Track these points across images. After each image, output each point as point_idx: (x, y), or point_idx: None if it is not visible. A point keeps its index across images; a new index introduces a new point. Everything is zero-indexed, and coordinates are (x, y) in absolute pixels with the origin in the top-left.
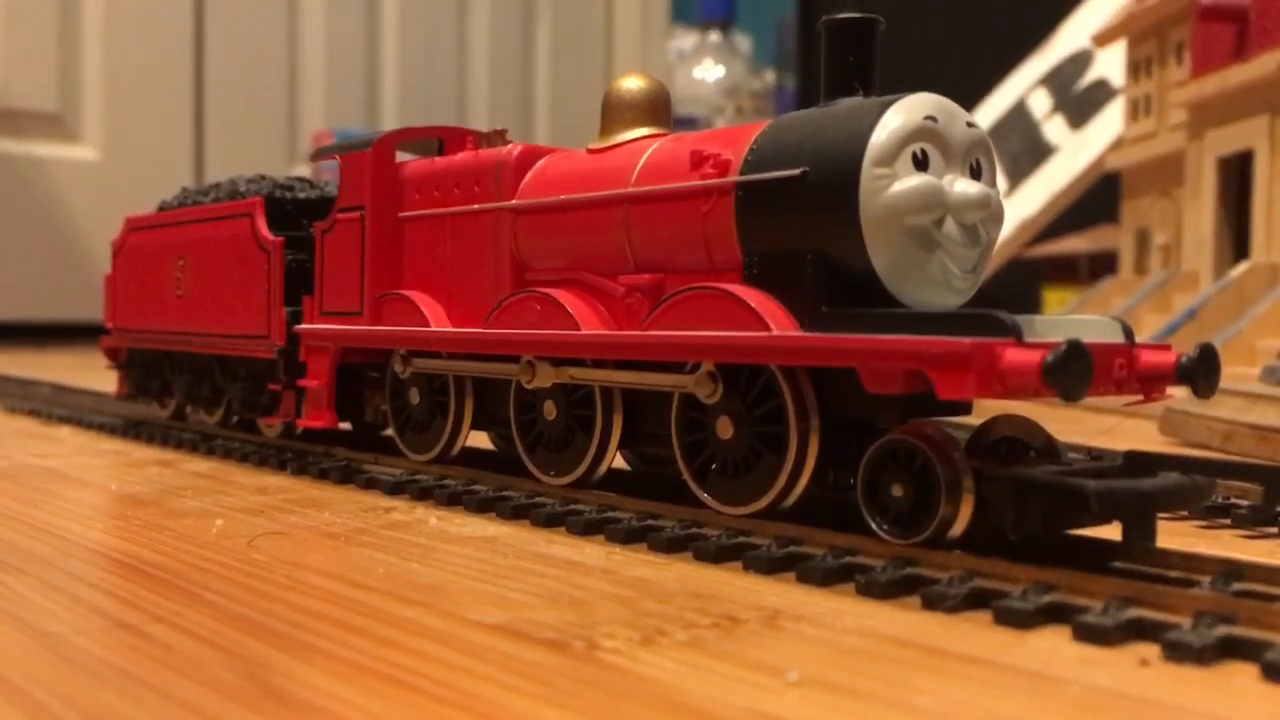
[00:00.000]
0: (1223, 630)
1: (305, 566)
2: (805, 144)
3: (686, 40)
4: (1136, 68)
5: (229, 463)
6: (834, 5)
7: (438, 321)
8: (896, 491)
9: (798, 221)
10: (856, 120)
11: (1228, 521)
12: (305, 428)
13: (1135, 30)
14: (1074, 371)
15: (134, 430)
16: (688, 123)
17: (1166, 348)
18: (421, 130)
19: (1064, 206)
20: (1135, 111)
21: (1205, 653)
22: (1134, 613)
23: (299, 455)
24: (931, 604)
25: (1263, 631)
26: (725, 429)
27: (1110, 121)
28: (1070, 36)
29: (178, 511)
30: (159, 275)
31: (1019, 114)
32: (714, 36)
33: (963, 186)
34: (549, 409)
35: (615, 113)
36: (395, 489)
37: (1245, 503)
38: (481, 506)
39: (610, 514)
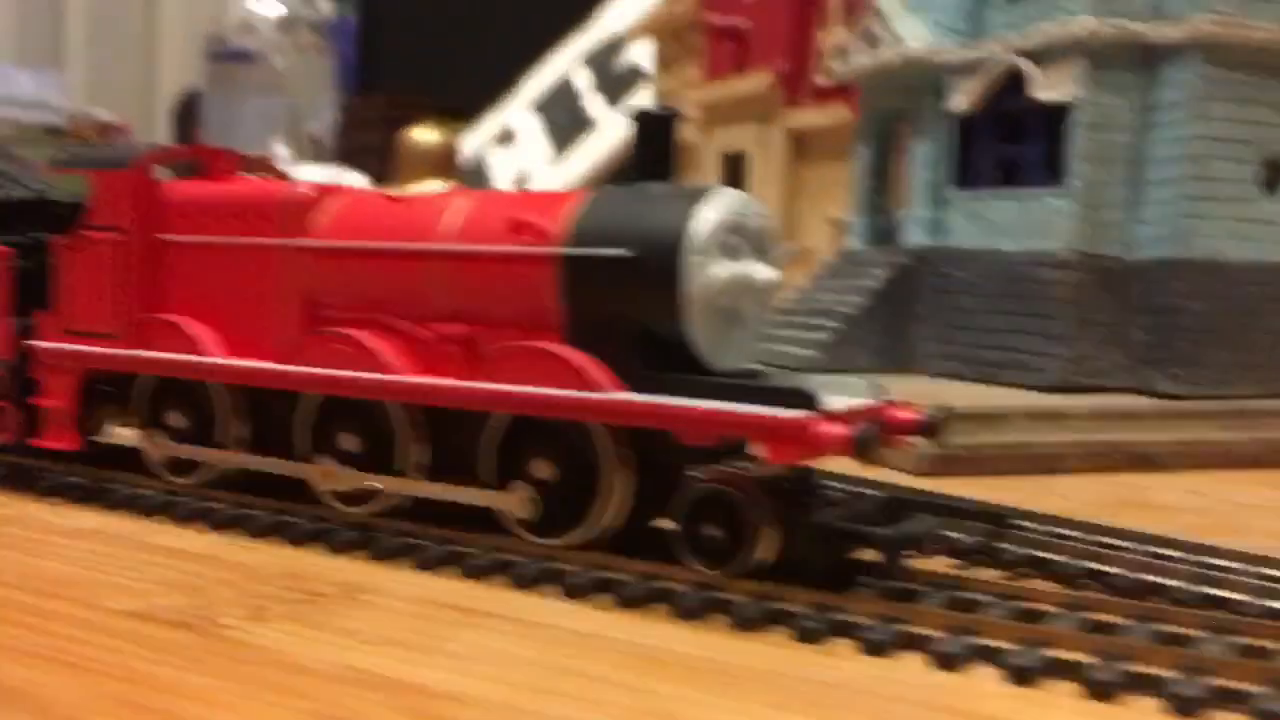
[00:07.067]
0: (971, 640)
1: None
2: (627, 227)
3: None
4: (663, 64)
5: None
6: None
7: (217, 353)
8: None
9: (623, 295)
10: (676, 210)
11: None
12: (40, 447)
13: (659, 30)
14: (873, 442)
15: None
16: (242, 56)
17: (909, 405)
18: (182, 150)
19: (606, 175)
20: (662, 101)
21: (956, 659)
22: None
23: None
24: (470, 574)
25: (1003, 641)
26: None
27: (643, 103)
28: (609, 21)
29: None
30: None
31: (564, 89)
32: None
33: (762, 271)
34: (346, 439)
35: (411, 161)
36: None
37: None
38: (85, 497)
39: (208, 504)
